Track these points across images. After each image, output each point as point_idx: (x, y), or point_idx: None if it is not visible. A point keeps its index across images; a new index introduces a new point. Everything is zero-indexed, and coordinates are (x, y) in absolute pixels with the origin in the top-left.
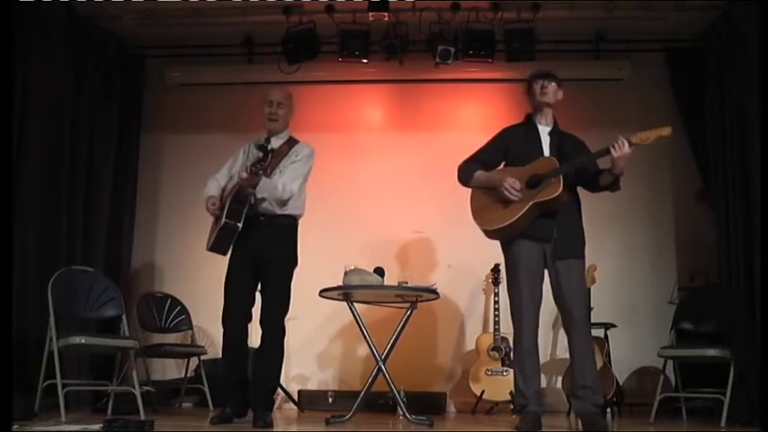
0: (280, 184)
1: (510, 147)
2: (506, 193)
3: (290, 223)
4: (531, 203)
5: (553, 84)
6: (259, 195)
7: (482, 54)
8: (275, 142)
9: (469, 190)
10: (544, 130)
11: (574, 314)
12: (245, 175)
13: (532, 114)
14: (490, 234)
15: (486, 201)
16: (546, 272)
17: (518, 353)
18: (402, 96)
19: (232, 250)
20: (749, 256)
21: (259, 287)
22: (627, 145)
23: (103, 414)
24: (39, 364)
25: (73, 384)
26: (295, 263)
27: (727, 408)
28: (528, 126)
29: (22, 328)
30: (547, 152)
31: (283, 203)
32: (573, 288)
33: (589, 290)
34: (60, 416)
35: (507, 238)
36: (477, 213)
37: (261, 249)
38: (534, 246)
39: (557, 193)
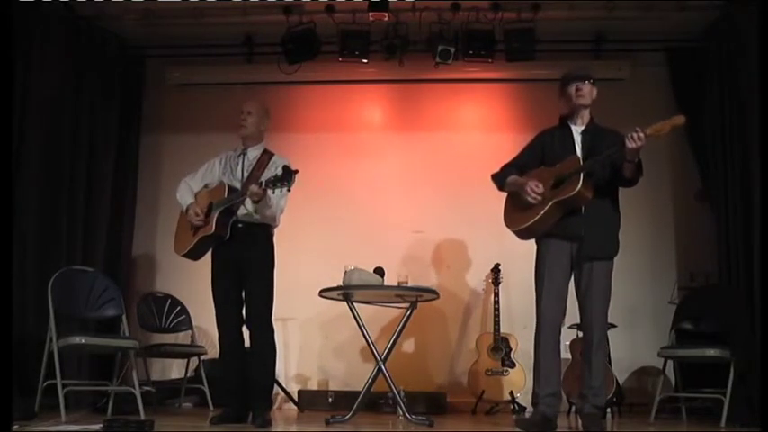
0: (275, 203)
1: (545, 149)
2: (528, 196)
3: (267, 231)
4: (551, 203)
5: (588, 84)
6: (256, 210)
7: (482, 54)
8: (252, 153)
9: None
10: (577, 131)
11: (593, 316)
12: (256, 188)
13: (566, 116)
14: (517, 234)
15: (516, 203)
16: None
17: (537, 352)
18: (402, 96)
19: (212, 258)
20: (749, 256)
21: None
22: (643, 137)
23: (103, 414)
24: (39, 364)
25: (73, 384)
26: (274, 264)
27: (727, 408)
28: (562, 128)
29: (22, 328)
30: (579, 153)
31: (272, 219)
32: (594, 290)
33: None
34: (60, 416)
35: (535, 237)
36: (506, 215)
37: (241, 255)
38: (563, 244)
39: (575, 191)
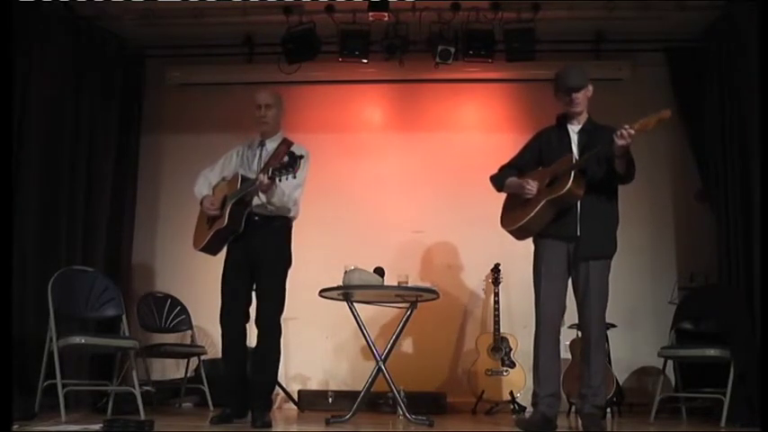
0: (286, 193)
1: (543, 149)
2: (523, 191)
3: (284, 224)
4: (544, 201)
5: (582, 92)
6: (266, 200)
7: (482, 54)
8: (270, 144)
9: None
10: (574, 130)
11: (591, 316)
12: (266, 180)
13: (563, 115)
14: (513, 234)
15: (512, 204)
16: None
17: (536, 352)
18: (402, 96)
19: (227, 250)
20: (749, 256)
21: (254, 287)
22: (633, 133)
23: (103, 414)
24: (39, 364)
25: (73, 384)
26: (289, 263)
27: (727, 408)
28: (559, 128)
29: (22, 328)
30: (575, 151)
31: (286, 210)
32: (592, 290)
33: None
34: (60, 416)
35: (530, 236)
36: (503, 216)
37: (256, 249)
38: (560, 245)
39: (565, 189)
